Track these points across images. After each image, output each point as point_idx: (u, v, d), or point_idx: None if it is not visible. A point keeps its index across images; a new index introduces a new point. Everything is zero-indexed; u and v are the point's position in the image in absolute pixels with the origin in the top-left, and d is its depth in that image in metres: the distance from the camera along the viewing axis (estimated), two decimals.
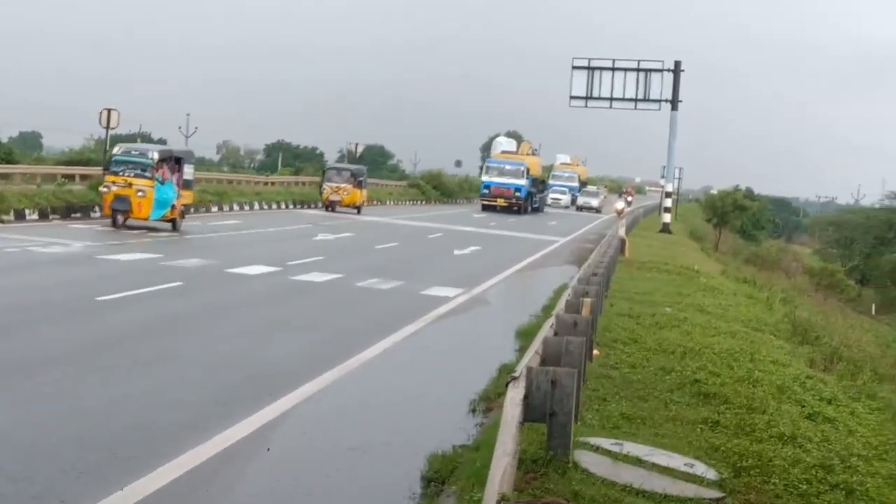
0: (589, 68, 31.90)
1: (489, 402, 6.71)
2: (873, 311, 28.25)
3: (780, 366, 9.34)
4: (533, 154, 49.86)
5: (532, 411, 4.79)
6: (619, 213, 28.19)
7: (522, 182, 41.12)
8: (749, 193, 40.79)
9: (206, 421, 5.72)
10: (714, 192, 43.79)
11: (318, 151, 68.10)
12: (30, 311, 9.42)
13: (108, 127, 26.25)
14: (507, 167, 41.82)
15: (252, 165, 71.65)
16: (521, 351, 7.25)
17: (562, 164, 60.98)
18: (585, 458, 5.21)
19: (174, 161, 19.45)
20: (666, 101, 31.28)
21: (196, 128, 59.43)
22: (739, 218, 37.45)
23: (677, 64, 31.29)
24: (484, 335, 11.35)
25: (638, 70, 31.30)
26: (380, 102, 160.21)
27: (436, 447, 5.36)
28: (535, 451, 4.99)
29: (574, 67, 32.12)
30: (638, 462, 5.29)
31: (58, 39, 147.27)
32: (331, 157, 59.64)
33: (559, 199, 51.86)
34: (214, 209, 27.89)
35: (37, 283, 11.80)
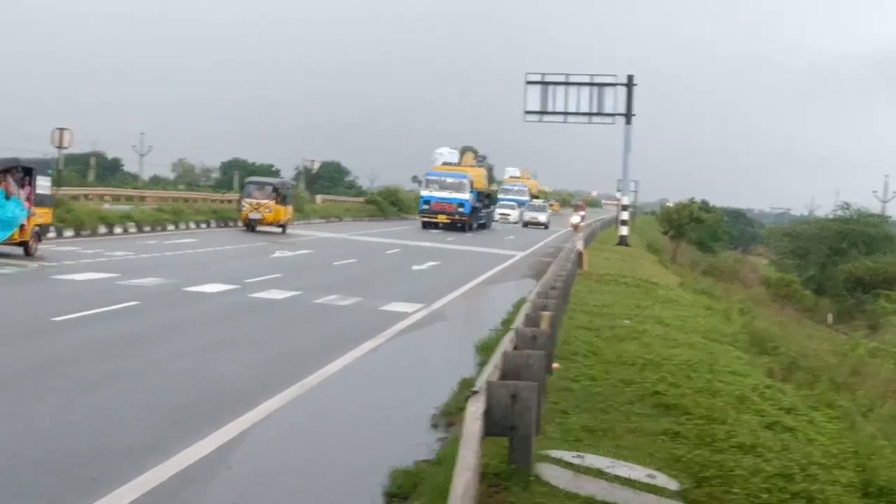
0: (543, 83, 31.97)
1: (450, 416, 6.68)
2: (830, 321, 28.99)
3: (739, 376, 9.51)
4: (479, 165, 47.33)
5: (493, 425, 4.81)
6: (575, 227, 27.38)
7: (466, 196, 37.26)
8: (705, 205, 41.77)
9: (164, 441, 5.62)
10: (670, 204, 44.22)
11: (273, 168, 67.46)
12: None
13: (60, 146, 25.96)
14: (449, 180, 38.08)
15: (207, 183, 71.04)
16: (482, 365, 7.23)
17: (511, 177, 59.82)
18: (547, 471, 5.27)
19: (22, 172, 16.41)
20: (620, 114, 31.46)
21: (150, 147, 58.91)
22: (696, 230, 38.20)
23: (630, 78, 31.61)
24: (444, 350, 11.28)
25: (591, 84, 31.54)
26: (336, 120, 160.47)
27: (398, 462, 5.34)
28: (497, 465, 5.01)
29: (528, 82, 32.08)
30: (600, 474, 5.35)
31: (6, 57, 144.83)
32: (287, 174, 58.98)
33: (508, 215, 48.40)
34: (171, 227, 27.27)
35: None
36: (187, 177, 75.01)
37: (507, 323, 10.60)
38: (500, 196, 51.45)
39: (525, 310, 8.69)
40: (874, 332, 24.34)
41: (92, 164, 35.14)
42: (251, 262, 20.03)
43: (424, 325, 12.61)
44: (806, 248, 41.02)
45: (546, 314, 7.23)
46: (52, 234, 19.12)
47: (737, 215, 67.35)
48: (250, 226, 28.30)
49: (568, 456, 5.49)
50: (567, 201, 74.17)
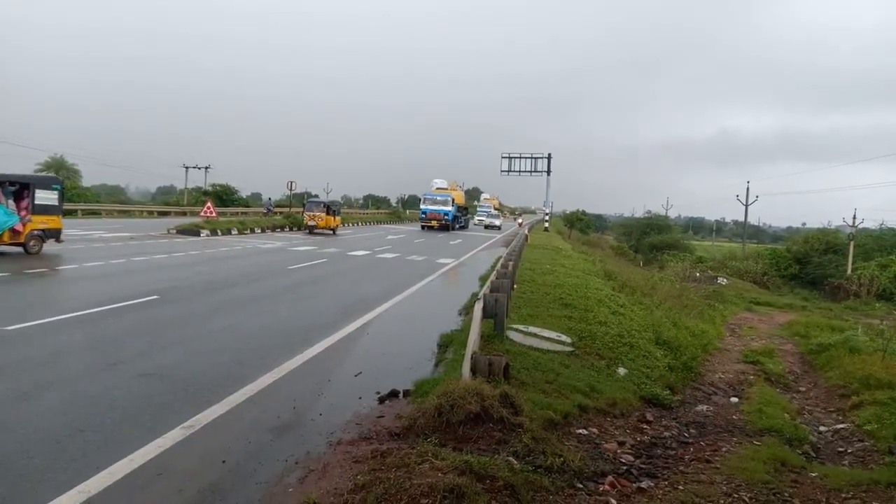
0: (509, 157, 62.24)
1: (467, 309, 12.72)
2: (641, 265, 48.74)
3: (598, 290, 17.49)
4: (460, 189, 65.47)
5: (487, 313, 10.06)
6: (520, 224, 61.93)
7: (449, 209, 53.99)
8: (584, 212, 74.94)
9: (338, 323, 11.35)
10: (568, 211, 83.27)
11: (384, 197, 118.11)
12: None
13: (290, 191, 48.27)
14: (439, 198, 54.72)
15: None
16: (481, 286, 13.41)
17: (484, 198, 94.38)
18: (512, 335, 10.63)
19: (18, 186, 18.28)
20: (545, 171, 61.17)
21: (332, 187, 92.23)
22: (579, 223, 69.99)
23: (550, 155, 61.59)
24: (463, 280, 18.73)
25: (532, 157, 61.65)
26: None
27: (443, 330, 11.01)
28: (488, 332, 10.14)
29: (502, 157, 62.41)
30: (535, 336, 11.02)
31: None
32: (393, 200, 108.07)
33: (483, 220, 69.28)
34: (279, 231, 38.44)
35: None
36: (345, 202, 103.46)
37: (493, 267, 19.50)
38: (478, 209, 77.47)
39: (501, 261, 15.40)
40: (661, 270, 40.77)
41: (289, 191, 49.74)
42: (372, 242, 31.97)
43: (456, 268, 22.17)
44: (630, 231, 79.50)
45: (510, 263, 13.31)
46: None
47: (598, 216, 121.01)
48: (310, 229, 38.28)
49: (521, 328, 11.29)
50: (513, 212, 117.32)
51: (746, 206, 67.59)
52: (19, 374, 7.24)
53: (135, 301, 11.92)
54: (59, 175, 45.95)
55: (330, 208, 39.87)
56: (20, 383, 6.89)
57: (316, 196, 76.50)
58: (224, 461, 5.29)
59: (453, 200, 55.72)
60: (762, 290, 41.92)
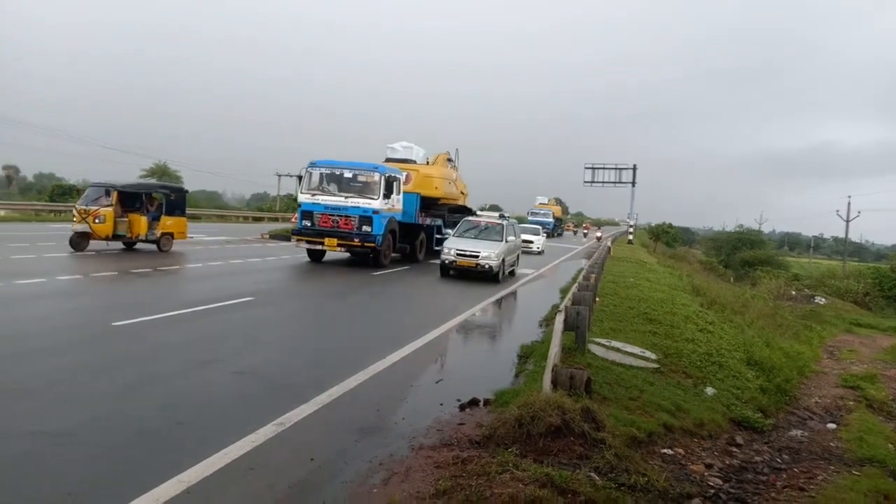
0: (593, 168, 61.80)
1: (547, 321, 12.63)
2: (731, 281, 48.21)
3: (686, 306, 16.80)
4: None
5: (568, 326, 9.99)
6: (599, 238, 57.86)
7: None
8: (670, 225, 72.82)
9: (420, 330, 11.65)
10: (653, 224, 76.50)
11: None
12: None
13: None
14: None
15: None
16: (562, 299, 13.25)
17: (539, 203, 70.14)
18: (593, 349, 10.52)
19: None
20: (630, 182, 60.26)
21: None
22: (665, 237, 67.49)
23: (635, 166, 60.44)
24: (544, 291, 18.64)
25: (616, 168, 61.04)
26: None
27: (523, 341, 11.02)
28: (569, 345, 10.07)
29: (585, 167, 62.07)
30: (618, 351, 10.86)
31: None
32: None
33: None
34: None
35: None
36: None
37: (574, 279, 19.00)
38: (529, 219, 59.51)
39: (583, 273, 14.97)
40: (753, 287, 40.16)
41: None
42: None
43: (535, 279, 21.86)
44: (720, 245, 77.28)
45: (592, 275, 13.09)
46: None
47: (685, 229, 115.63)
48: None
49: (603, 341, 11.15)
50: (578, 224, 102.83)
51: (847, 221, 64.07)
52: (124, 368, 7.74)
53: (231, 302, 12.51)
54: (163, 180, 49.31)
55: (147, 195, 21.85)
56: (125, 377, 7.37)
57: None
58: (312, 459, 5.48)
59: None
60: (864, 312, 39.38)
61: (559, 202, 78.42)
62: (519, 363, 9.67)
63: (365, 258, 21.25)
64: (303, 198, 20.72)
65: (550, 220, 62.43)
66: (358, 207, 20.18)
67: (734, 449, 7.95)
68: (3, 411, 6.08)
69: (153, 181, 35.97)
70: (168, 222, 21.36)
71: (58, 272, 14.75)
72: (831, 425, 10.71)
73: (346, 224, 20.22)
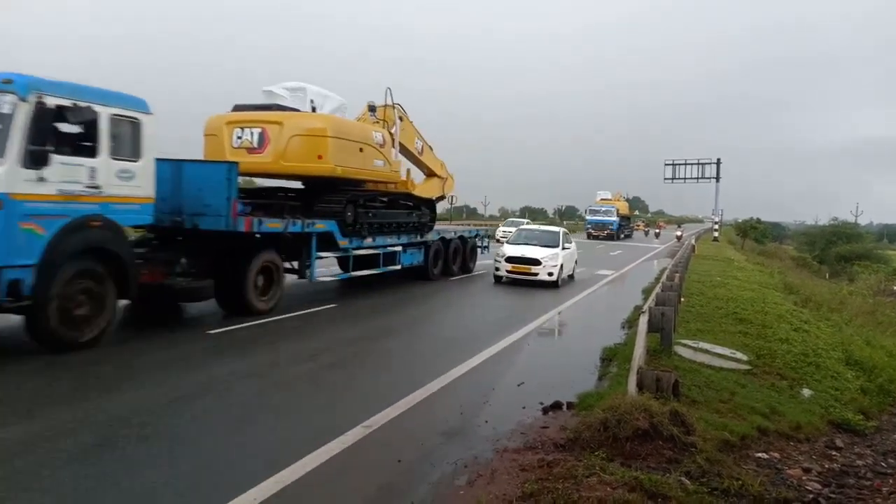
0: (673, 164, 59.63)
1: (630, 322, 12.39)
2: (827, 277, 47.54)
3: (778, 305, 16.04)
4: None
5: (652, 327, 9.70)
6: (679, 238, 54.86)
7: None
8: (759, 221, 67.53)
9: (503, 331, 11.72)
10: (740, 220, 72.38)
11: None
12: None
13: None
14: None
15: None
16: (645, 299, 12.97)
17: (602, 199, 61.07)
18: (680, 350, 10.21)
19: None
20: (713, 178, 58.17)
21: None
22: (753, 233, 62.90)
23: (719, 160, 58.35)
24: (626, 291, 18.22)
25: (699, 163, 58.55)
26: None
27: (606, 343, 10.79)
28: (654, 347, 9.79)
29: (665, 164, 60.01)
30: (706, 352, 10.50)
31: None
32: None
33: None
34: None
35: None
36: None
37: (657, 279, 18.36)
38: (588, 217, 59.74)
39: (666, 273, 14.54)
40: (851, 283, 39.26)
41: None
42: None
43: (616, 280, 21.94)
44: (814, 240, 74.28)
45: (676, 275, 12.73)
46: None
47: (775, 224, 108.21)
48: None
49: (690, 343, 10.79)
50: (649, 223, 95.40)
51: None
52: (212, 373, 8.14)
53: (320, 308, 12.93)
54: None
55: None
56: (213, 388, 7.75)
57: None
58: (399, 461, 5.61)
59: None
60: None
61: (622, 198, 68.73)
62: (602, 366, 9.55)
63: None
64: None
65: (614, 218, 55.65)
66: None
67: (834, 452, 7.58)
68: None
69: None
70: None
71: None
72: None
73: None
